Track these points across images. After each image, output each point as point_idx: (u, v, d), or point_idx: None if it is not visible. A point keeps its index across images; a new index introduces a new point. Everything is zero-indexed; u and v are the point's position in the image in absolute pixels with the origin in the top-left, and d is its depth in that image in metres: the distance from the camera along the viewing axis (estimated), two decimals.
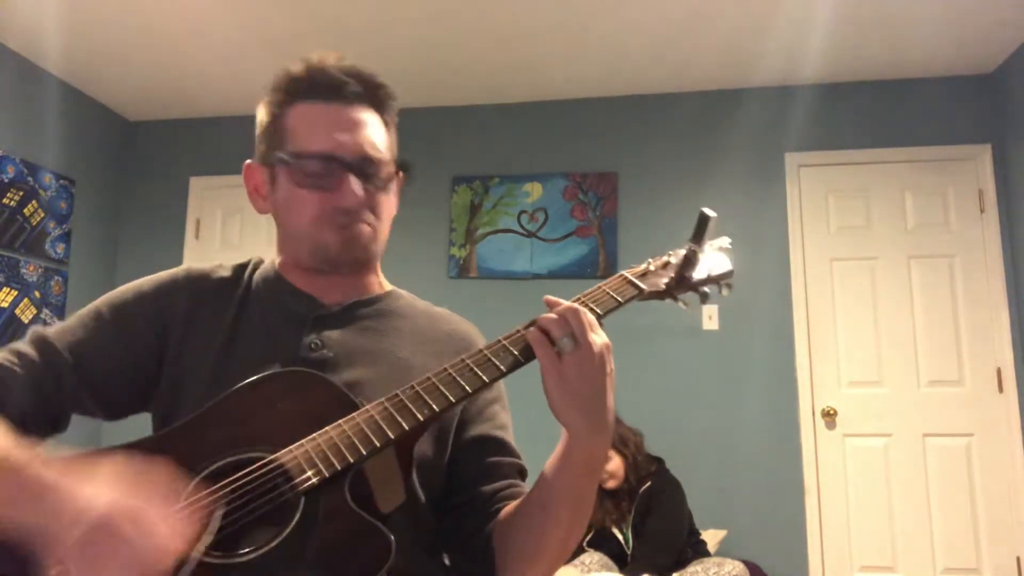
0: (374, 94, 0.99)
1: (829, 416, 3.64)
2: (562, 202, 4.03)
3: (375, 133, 0.97)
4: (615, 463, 3.05)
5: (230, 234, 4.38)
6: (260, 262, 1.06)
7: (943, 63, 3.69)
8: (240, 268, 1.04)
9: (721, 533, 3.32)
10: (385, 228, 1.00)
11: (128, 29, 3.54)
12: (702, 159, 3.95)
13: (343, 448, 0.77)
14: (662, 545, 2.93)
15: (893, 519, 3.52)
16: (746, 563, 3.01)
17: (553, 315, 0.82)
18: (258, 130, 1.01)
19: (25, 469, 0.73)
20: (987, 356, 3.58)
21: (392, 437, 0.78)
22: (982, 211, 3.70)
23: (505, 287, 3.99)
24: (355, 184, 0.93)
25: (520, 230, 4.06)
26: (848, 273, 3.77)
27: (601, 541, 2.99)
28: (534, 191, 4.08)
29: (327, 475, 0.75)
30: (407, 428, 0.79)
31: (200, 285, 1.00)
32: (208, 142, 4.43)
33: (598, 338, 0.81)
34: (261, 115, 1.00)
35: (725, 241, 1.00)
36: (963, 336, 3.62)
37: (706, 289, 0.96)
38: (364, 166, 0.95)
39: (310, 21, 3.42)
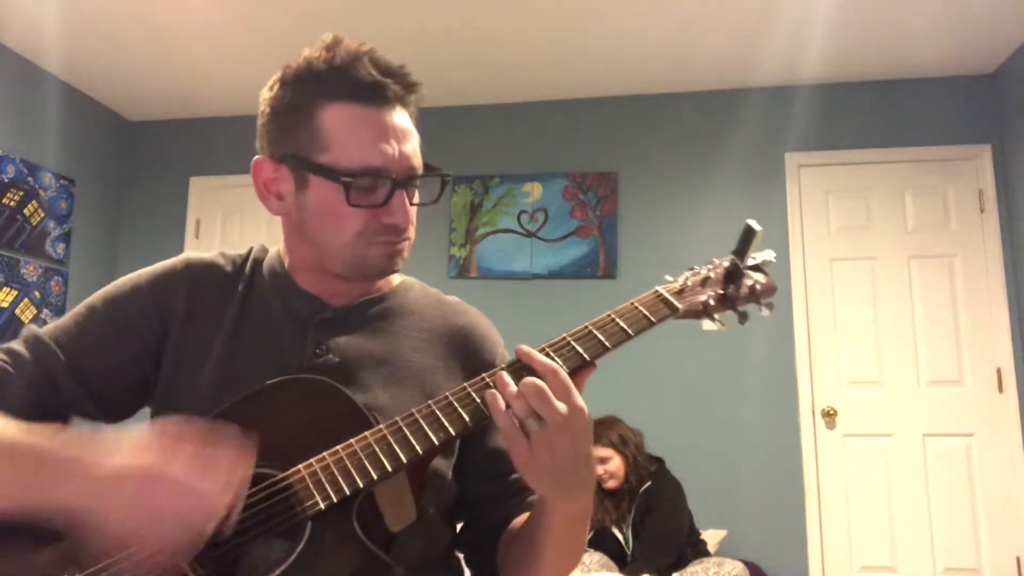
0: (411, 94, 0.92)
1: (829, 416, 3.64)
2: (562, 202, 4.03)
3: (415, 140, 0.93)
4: (615, 463, 3.05)
5: (230, 234, 4.38)
6: (263, 253, 1.01)
7: (943, 63, 3.69)
8: (242, 260, 0.99)
9: (721, 533, 3.32)
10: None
11: (128, 29, 3.54)
12: (702, 159, 3.95)
13: (353, 471, 0.74)
14: (662, 545, 2.93)
15: (893, 519, 3.52)
16: (746, 563, 3.01)
17: (514, 390, 0.74)
18: (269, 120, 0.92)
19: (46, 449, 0.72)
20: (987, 356, 3.58)
21: (405, 461, 0.75)
22: (982, 211, 3.70)
23: (505, 287, 3.99)
24: (405, 202, 0.90)
25: (520, 230, 4.06)
26: (848, 273, 3.77)
27: (601, 541, 2.99)
28: (534, 191, 4.08)
29: (335, 500, 0.73)
30: (420, 452, 0.76)
31: (200, 278, 0.95)
32: (208, 142, 4.43)
33: (566, 408, 0.72)
34: (275, 104, 0.91)
35: (770, 254, 0.92)
36: (963, 336, 3.62)
37: (745, 309, 0.89)
38: (411, 181, 0.91)
39: (310, 21, 3.41)
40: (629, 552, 2.96)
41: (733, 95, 3.97)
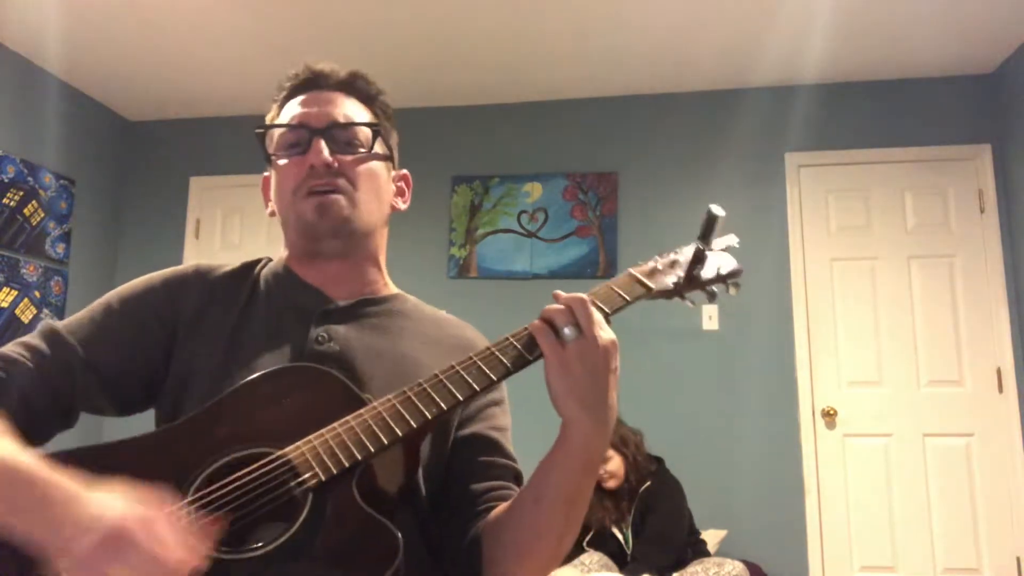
0: (355, 85, 1.03)
1: (829, 416, 3.64)
2: (562, 202, 4.03)
3: (353, 112, 1.01)
4: (615, 463, 3.05)
5: (230, 234, 4.38)
6: (270, 260, 1.07)
7: (943, 63, 3.69)
8: (250, 265, 1.05)
9: (721, 533, 3.32)
10: (370, 202, 1.00)
11: (128, 29, 3.54)
12: (702, 159, 3.95)
13: (351, 445, 0.77)
14: (662, 545, 2.93)
15: (893, 519, 3.52)
16: (746, 563, 3.01)
17: (558, 304, 0.82)
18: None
19: (34, 476, 0.72)
20: (987, 356, 3.58)
21: (400, 435, 0.78)
22: (982, 211, 3.70)
23: (505, 287, 3.99)
24: (321, 145, 0.96)
25: (520, 230, 4.06)
26: (848, 273, 3.77)
27: (601, 541, 2.99)
28: (534, 191, 4.08)
29: (335, 472, 0.76)
30: (415, 426, 0.79)
31: (210, 280, 1.01)
32: (208, 142, 4.43)
33: (604, 333, 0.80)
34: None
35: (733, 239, 0.99)
36: (963, 336, 3.62)
37: (714, 288, 0.95)
38: (333, 131, 0.98)
39: (310, 21, 3.42)
40: (629, 552, 2.96)
41: (733, 95, 3.97)
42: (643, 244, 3.88)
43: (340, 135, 0.99)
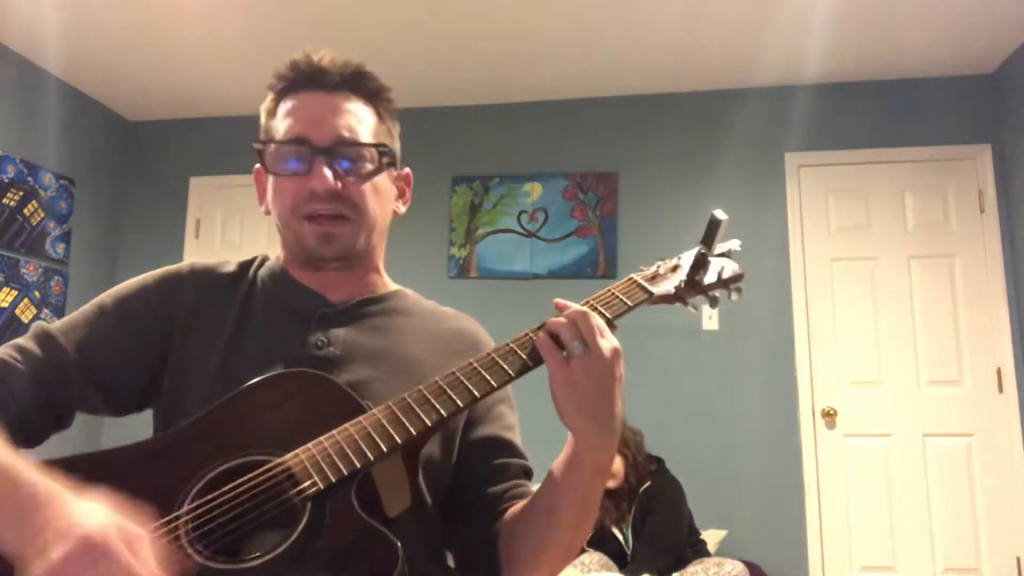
0: (358, 82, 0.97)
1: (829, 416, 3.64)
2: (562, 202, 4.03)
3: (356, 120, 0.95)
4: (615, 463, 3.05)
5: (230, 234, 4.38)
6: (266, 259, 1.05)
7: (943, 63, 3.69)
8: (246, 264, 1.03)
9: (721, 533, 3.31)
10: (375, 221, 0.97)
11: (128, 29, 3.54)
12: (702, 159, 3.95)
13: (350, 453, 0.76)
14: (662, 545, 2.93)
15: (893, 519, 3.52)
16: (746, 563, 3.01)
17: (562, 319, 0.81)
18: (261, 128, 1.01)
19: (18, 478, 0.69)
20: (987, 356, 3.58)
21: (399, 442, 0.77)
22: (982, 211, 3.70)
23: (505, 287, 3.99)
24: (324, 168, 0.91)
25: (520, 230, 4.06)
26: (848, 273, 3.77)
27: (601, 541, 2.99)
28: (534, 191, 4.08)
29: (333, 480, 0.75)
30: (414, 433, 0.78)
31: (205, 280, 0.99)
32: (208, 142, 4.43)
33: (607, 343, 0.79)
34: (262, 113, 1.01)
35: (735, 243, 0.99)
36: (963, 336, 3.62)
37: (715, 293, 0.94)
38: (338, 150, 0.93)
39: (310, 21, 3.42)
40: (629, 552, 2.96)
41: (733, 95, 3.96)
42: (643, 244, 3.88)
43: (345, 151, 0.93)
